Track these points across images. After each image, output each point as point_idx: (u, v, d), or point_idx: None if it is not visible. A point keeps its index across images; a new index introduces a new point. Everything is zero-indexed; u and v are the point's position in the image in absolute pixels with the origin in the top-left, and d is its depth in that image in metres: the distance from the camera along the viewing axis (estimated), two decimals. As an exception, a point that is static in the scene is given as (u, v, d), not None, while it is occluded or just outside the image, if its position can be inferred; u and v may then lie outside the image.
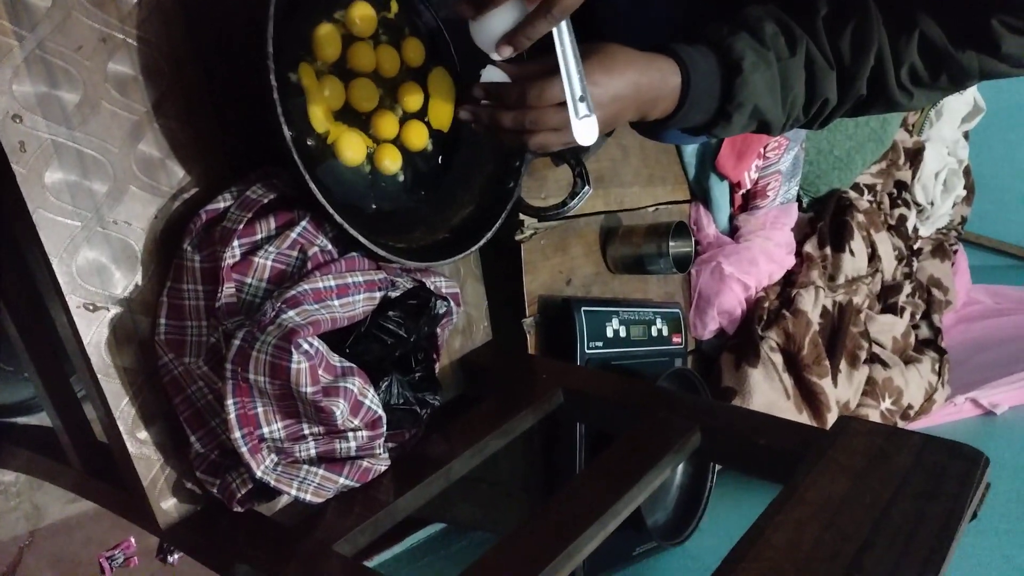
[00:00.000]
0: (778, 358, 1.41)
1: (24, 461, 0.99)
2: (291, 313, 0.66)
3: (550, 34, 0.66)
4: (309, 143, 0.76)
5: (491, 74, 0.71)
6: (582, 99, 0.67)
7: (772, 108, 0.79)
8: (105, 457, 0.77)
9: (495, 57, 0.69)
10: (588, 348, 1.08)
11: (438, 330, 0.85)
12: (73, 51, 0.62)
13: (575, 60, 0.67)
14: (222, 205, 0.70)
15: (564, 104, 0.68)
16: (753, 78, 0.76)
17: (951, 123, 2.08)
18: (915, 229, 2.01)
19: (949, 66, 0.80)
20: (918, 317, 1.87)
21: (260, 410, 0.68)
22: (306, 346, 0.65)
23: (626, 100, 0.72)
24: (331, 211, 0.69)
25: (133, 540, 1.21)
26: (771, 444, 0.78)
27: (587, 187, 0.88)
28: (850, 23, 0.80)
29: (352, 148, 0.77)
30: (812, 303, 1.47)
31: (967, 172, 2.23)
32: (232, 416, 0.67)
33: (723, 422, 0.82)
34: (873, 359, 1.61)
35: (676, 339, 1.27)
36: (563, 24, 0.66)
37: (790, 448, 0.76)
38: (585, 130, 0.68)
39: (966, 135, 2.20)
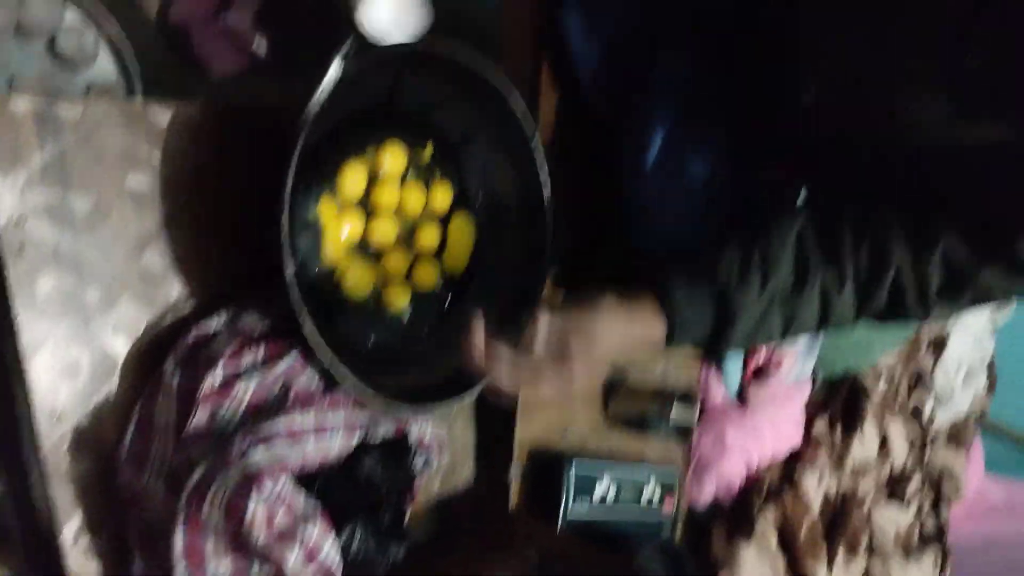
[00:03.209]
0: (773, 537, 1.35)
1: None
2: (259, 453, 0.63)
3: None
4: (316, 271, 0.75)
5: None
6: None
7: (768, 339, 0.79)
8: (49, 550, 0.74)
9: None
10: (572, 507, 1.03)
11: (416, 479, 0.82)
12: (93, 162, 0.62)
13: None
14: (213, 326, 0.69)
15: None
16: (747, 327, 0.77)
17: (979, 315, 2.05)
18: (931, 419, 1.95)
19: (972, 285, 0.79)
20: (925, 511, 1.80)
21: (210, 546, 0.65)
22: (268, 489, 0.62)
23: (607, 360, 0.77)
24: (323, 352, 0.67)
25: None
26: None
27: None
28: (870, 241, 0.78)
29: (358, 283, 0.76)
30: (815, 486, 1.41)
31: (991, 366, 2.19)
32: (179, 548, 0.63)
33: (697, 629, 0.77)
34: (873, 550, 1.54)
35: (668, 505, 1.22)
36: None
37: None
38: None
39: (993, 327, 2.16)
